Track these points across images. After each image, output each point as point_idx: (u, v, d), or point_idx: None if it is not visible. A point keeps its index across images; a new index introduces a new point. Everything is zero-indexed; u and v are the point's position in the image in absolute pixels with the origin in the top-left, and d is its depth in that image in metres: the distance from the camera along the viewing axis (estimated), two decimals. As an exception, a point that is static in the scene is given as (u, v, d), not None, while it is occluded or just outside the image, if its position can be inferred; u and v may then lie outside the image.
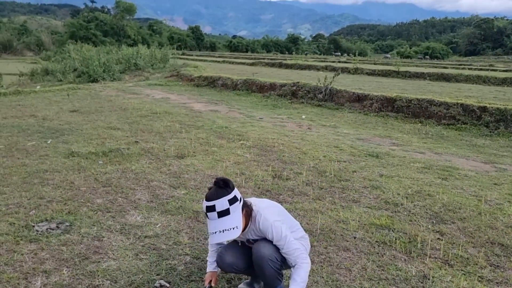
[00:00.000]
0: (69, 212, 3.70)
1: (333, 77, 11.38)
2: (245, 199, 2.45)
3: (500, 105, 8.82)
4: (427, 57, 74.16)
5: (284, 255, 2.36)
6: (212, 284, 2.54)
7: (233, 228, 2.24)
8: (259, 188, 4.56)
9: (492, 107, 8.61)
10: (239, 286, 2.68)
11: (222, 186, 2.28)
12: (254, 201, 2.50)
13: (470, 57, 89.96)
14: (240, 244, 2.56)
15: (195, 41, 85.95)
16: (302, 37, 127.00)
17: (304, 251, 2.39)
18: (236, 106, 10.97)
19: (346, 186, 4.71)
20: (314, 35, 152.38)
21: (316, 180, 4.89)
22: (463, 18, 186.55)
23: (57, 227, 3.37)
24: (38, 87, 16.39)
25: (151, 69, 20.75)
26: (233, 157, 5.70)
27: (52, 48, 51.67)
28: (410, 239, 3.40)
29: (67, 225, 3.42)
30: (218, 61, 33.93)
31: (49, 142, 6.24)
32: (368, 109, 10.34)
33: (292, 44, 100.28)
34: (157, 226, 3.50)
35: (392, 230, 3.55)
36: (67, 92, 12.45)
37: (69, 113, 8.88)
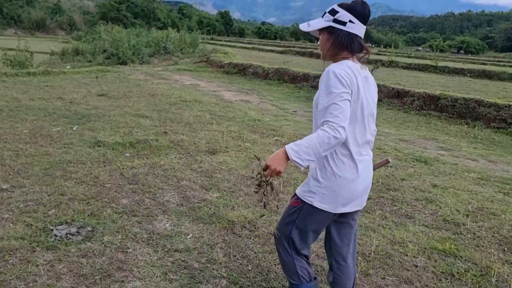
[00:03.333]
0: (91, 213, 3.34)
1: (372, 70, 10.68)
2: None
3: (558, 109, 8.06)
4: (462, 51, 71.67)
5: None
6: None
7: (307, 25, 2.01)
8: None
9: (549, 112, 7.87)
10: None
11: None
12: None
13: (508, 53, 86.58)
14: None
15: (223, 26, 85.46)
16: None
17: (342, 121, 1.77)
18: (268, 97, 10.49)
19: (396, 197, 4.21)
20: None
21: (362, 188, 4.39)
22: (501, 12, 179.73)
23: (78, 232, 3.01)
24: (68, 67, 16.29)
25: (180, 54, 20.42)
26: (269, 156, 5.26)
27: (84, 28, 52.10)
28: (482, 271, 2.90)
29: (88, 230, 3.06)
30: (247, 48, 33.39)
31: (74, 128, 5.93)
32: (409, 106, 9.70)
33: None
34: (188, 237, 3.10)
35: (459, 259, 3.05)
36: (96, 74, 12.20)
37: (97, 97, 8.59)
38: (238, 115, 7.72)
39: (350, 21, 1.89)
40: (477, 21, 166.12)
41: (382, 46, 70.40)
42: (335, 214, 2.01)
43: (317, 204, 1.98)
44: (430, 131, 7.77)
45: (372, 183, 4.60)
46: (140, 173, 4.35)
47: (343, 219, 2.13)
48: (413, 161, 5.54)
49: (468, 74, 17.74)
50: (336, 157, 1.93)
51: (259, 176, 1.96)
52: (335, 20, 1.91)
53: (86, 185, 3.92)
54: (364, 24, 1.92)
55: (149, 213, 3.45)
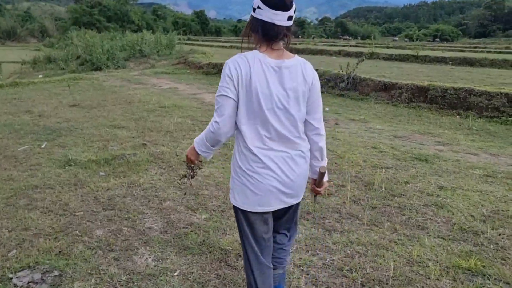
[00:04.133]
0: (60, 252, 2.85)
1: (357, 63, 10.39)
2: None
3: (551, 94, 7.83)
4: (437, 39, 72.41)
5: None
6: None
7: None
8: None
9: (543, 98, 7.62)
10: None
11: None
12: None
13: (481, 39, 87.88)
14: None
15: (200, 26, 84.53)
16: (308, 20, 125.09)
17: (218, 115, 1.85)
18: (251, 97, 10.04)
19: (402, 204, 3.82)
20: (320, 19, 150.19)
21: (364, 195, 4.00)
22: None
23: (42, 279, 2.52)
24: (40, 76, 15.54)
25: (156, 56, 19.82)
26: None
27: (56, 34, 50.82)
28: (517, 293, 2.52)
29: (55, 276, 2.57)
30: (225, 47, 32.85)
31: (43, 146, 5.38)
32: (397, 99, 9.37)
33: (298, 28, 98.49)
34: (175, 274, 2.64)
35: (488, 278, 2.67)
36: (67, 83, 11.57)
37: (69, 108, 8.01)
38: (221, 119, 7.25)
39: (258, 7, 1.78)
40: (450, 9, 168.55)
41: (359, 37, 70.70)
42: (262, 214, 1.94)
43: (234, 201, 1.96)
44: (423, 125, 7.44)
45: (374, 189, 4.24)
46: (116, 195, 3.86)
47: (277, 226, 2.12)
48: (412, 160, 5.18)
49: (450, 62, 17.60)
50: (239, 150, 1.90)
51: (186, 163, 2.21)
52: (253, 9, 1.83)
53: (54, 215, 3.41)
54: (275, 9, 1.75)
55: (128, 246, 2.97)
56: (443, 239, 3.18)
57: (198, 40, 43.83)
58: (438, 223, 3.46)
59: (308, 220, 3.46)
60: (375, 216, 3.55)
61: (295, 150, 1.89)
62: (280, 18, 1.76)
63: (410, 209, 3.72)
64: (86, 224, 3.29)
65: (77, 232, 3.15)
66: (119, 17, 62.79)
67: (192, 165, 2.17)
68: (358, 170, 4.72)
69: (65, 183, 4.11)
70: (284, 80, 1.80)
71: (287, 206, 1.97)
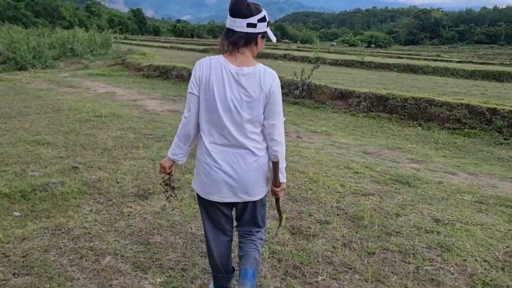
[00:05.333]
0: None
1: (312, 70, 9.82)
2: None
3: (510, 106, 7.69)
4: (373, 45, 75.28)
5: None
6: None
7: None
8: (278, 260, 2.88)
9: (503, 109, 7.44)
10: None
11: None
12: None
13: (411, 46, 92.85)
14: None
15: (137, 24, 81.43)
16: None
17: (185, 110, 2.06)
18: (199, 104, 9.12)
19: (402, 246, 3.15)
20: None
21: (355, 235, 3.29)
22: (402, 8, 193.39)
23: None
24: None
25: (90, 56, 18.19)
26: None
27: (-25, 29, 46.24)
28: None
29: None
30: (166, 47, 31.47)
31: None
32: (355, 108, 8.90)
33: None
34: None
35: None
36: (-17, 85, 9.96)
37: (-19, 118, 6.65)
38: (169, 131, 6.30)
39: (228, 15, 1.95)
40: (382, 17, 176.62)
41: (299, 41, 71.67)
42: (216, 204, 2.09)
43: (193, 184, 2.14)
44: (389, 138, 6.96)
45: (364, 226, 3.56)
46: (35, 248, 2.84)
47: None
48: (394, 184, 4.58)
49: (395, 69, 17.75)
50: (200, 143, 2.06)
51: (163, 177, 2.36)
52: None
53: None
54: (233, 17, 1.90)
55: None
56: (468, 300, 2.53)
57: (136, 40, 41.77)
58: (452, 273, 2.82)
59: (297, 278, 2.67)
60: (377, 267, 2.84)
61: (245, 148, 1.98)
62: (238, 25, 1.89)
63: (413, 254, 3.06)
64: (-15, 304, 2.27)
65: (-31, 321, 2.13)
66: (49, 13, 58.69)
67: (167, 177, 2.30)
68: (338, 199, 4.02)
69: (-39, 232, 3.01)
70: (240, 86, 1.91)
71: (242, 201, 2.08)
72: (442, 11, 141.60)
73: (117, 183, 4.09)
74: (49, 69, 15.63)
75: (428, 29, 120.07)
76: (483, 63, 23.99)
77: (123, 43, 26.72)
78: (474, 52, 62.87)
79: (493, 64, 23.41)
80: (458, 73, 16.78)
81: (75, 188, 3.86)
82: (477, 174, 5.18)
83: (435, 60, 26.37)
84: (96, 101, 8.64)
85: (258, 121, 1.96)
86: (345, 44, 69.46)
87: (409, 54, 36.06)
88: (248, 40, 1.92)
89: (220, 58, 1.94)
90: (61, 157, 4.81)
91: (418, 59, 27.17)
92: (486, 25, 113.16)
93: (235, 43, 1.91)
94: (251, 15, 1.87)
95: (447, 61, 26.56)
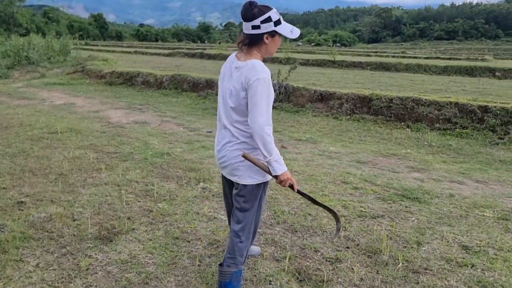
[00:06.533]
0: None
1: (289, 71, 9.20)
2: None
3: (501, 103, 7.30)
4: (338, 44, 75.86)
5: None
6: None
7: None
8: (290, 325, 2.18)
9: (495, 107, 7.03)
10: None
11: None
12: None
13: (374, 44, 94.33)
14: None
15: (98, 30, 79.03)
16: (213, 25, 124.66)
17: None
18: (168, 113, 8.33)
19: (437, 289, 2.52)
20: (225, 24, 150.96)
21: (376, 277, 2.64)
22: (364, 7, 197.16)
23: None
24: None
25: (47, 64, 16.96)
26: (202, 227, 3.24)
27: None
28: None
29: None
30: (129, 52, 30.25)
31: None
32: (337, 111, 8.33)
33: (204, 33, 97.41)
34: None
35: None
36: None
37: None
38: (136, 148, 5.51)
39: None
40: (345, 16, 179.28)
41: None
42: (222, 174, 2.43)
43: None
44: (379, 143, 6.39)
45: (385, 263, 2.90)
46: (-47, 335, 2.04)
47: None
48: (401, 200, 3.97)
49: (368, 67, 17.41)
50: None
51: None
52: None
53: None
54: (244, 20, 2.11)
55: None
56: None
57: (97, 45, 40.18)
58: (510, 328, 2.21)
59: None
60: (416, 326, 2.19)
61: (230, 133, 2.20)
62: (245, 28, 2.12)
63: (454, 300, 2.43)
64: None
65: None
66: (4, 20, 56.00)
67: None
68: (345, 225, 3.37)
69: None
70: (232, 78, 2.15)
71: (229, 179, 2.31)
72: (402, 9, 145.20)
73: (74, 221, 3.29)
74: (2, 80, 14.40)
75: (390, 27, 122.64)
76: (449, 59, 24.13)
77: (83, 49, 25.42)
78: (435, 48, 64.50)
79: (460, 59, 23.55)
80: (431, 69, 16.59)
81: (18, 232, 3.04)
82: (486, 182, 4.66)
83: (403, 57, 26.39)
84: (52, 114, 7.71)
85: (242, 111, 2.11)
86: (312, 44, 69.69)
87: (375, 52, 36.20)
88: (254, 40, 2.11)
89: (233, 55, 2.24)
90: (4, 188, 3.95)
91: (387, 56, 27.14)
92: (444, 21, 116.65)
93: (243, 43, 2.15)
94: (254, 18, 2.06)
95: (415, 57, 26.68)
